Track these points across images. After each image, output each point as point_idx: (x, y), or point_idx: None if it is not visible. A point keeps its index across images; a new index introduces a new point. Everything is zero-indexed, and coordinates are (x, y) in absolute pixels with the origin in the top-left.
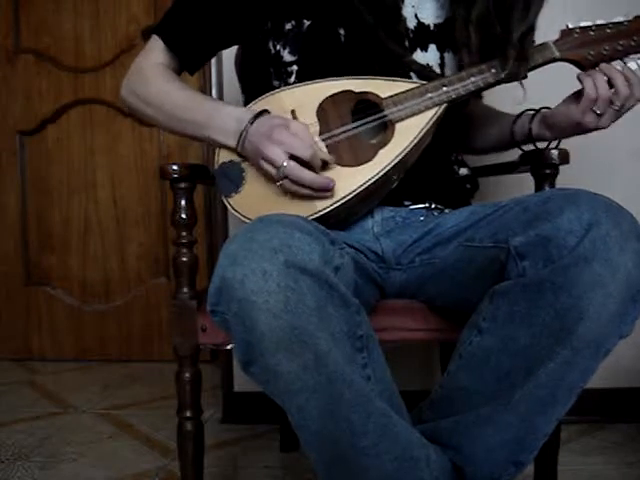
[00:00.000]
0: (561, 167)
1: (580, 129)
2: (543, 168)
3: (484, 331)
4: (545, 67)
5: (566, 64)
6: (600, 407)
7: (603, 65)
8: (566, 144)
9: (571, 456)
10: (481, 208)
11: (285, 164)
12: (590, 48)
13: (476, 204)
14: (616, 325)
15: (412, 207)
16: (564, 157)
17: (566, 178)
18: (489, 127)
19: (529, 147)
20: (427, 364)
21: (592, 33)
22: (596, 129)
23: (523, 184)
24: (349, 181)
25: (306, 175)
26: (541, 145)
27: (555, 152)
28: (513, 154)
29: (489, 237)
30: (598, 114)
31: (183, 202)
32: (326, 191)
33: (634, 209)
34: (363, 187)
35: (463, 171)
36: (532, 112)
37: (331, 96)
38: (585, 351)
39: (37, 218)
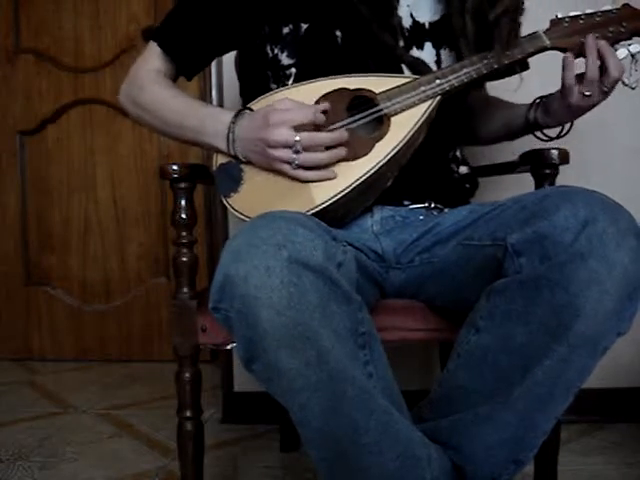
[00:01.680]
0: (561, 167)
1: (575, 111)
2: (543, 168)
3: (482, 329)
4: (547, 62)
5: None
6: (600, 407)
7: (590, 43)
8: (566, 144)
9: (571, 456)
10: (480, 207)
11: (298, 138)
12: (580, 36)
13: (475, 203)
14: (613, 322)
15: (412, 206)
16: (564, 157)
17: (566, 178)
18: (495, 115)
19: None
20: (427, 364)
21: (581, 21)
22: (592, 106)
23: (523, 184)
24: (347, 175)
25: (321, 136)
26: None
27: (555, 152)
28: (513, 154)
29: (487, 235)
30: (586, 95)
31: (183, 202)
32: (342, 146)
33: (634, 209)
34: (361, 180)
35: (463, 169)
36: (538, 100)
37: (326, 94)
38: (582, 348)
39: (37, 218)
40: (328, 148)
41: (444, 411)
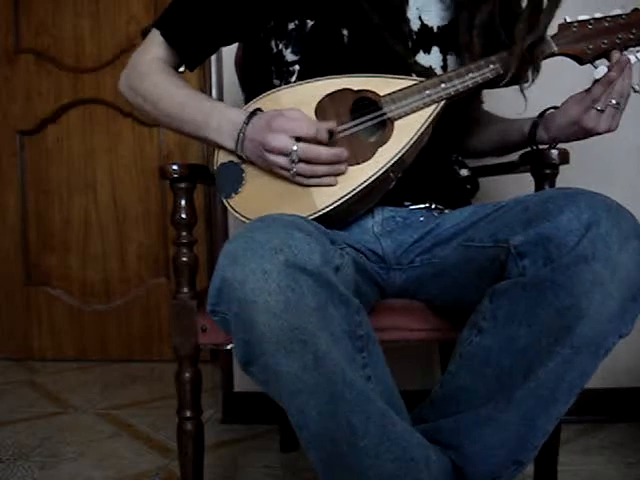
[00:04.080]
0: (561, 167)
1: (580, 130)
2: (543, 168)
3: (484, 330)
4: (548, 73)
5: (567, 64)
6: (600, 407)
7: (619, 58)
8: (566, 144)
9: (571, 456)
10: (481, 208)
11: (295, 148)
12: (589, 42)
13: (476, 204)
14: (616, 324)
15: (412, 207)
16: (564, 157)
17: (566, 178)
18: (488, 131)
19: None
20: (427, 364)
21: (590, 27)
22: (597, 133)
23: (523, 184)
24: (348, 180)
25: (320, 150)
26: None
27: (555, 152)
28: (513, 154)
29: (489, 237)
30: (599, 110)
31: (183, 202)
32: (341, 163)
33: (634, 209)
34: (362, 186)
35: (464, 172)
36: (549, 111)
37: (329, 94)
38: (585, 350)
39: (37, 218)
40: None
41: (445, 412)
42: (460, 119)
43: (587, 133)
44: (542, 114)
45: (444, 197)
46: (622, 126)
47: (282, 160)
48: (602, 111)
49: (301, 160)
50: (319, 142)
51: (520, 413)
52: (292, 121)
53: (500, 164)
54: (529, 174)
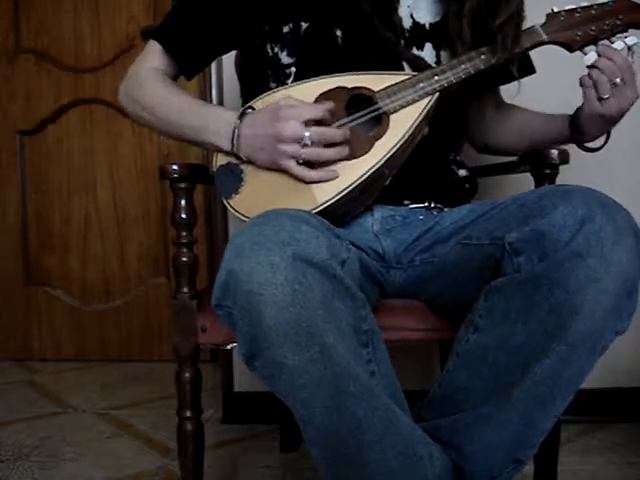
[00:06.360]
0: (561, 167)
1: (601, 120)
2: (543, 168)
3: (480, 328)
4: (543, 60)
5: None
6: (600, 407)
7: (602, 48)
8: (565, 144)
9: (571, 456)
10: (479, 206)
11: (307, 133)
12: (577, 29)
13: (474, 202)
14: (611, 321)
15: (412, 206)
16: (564, 157)
17: (566, 178)
18: (516, 125)
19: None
20: (427, 364)
21: (578, 15)
22: (622, 111)
23: (523, 184)
24: (347, 174)
25: (330, 131)
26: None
27: (555, 152)
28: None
29: (486, 234)
30: (604, 98)
31: (183, 202)
32: (345, 144)
33: (634, 210)
34: (362, 179)
35: (462, 172)
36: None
37: (324, 93)
38: (580, 347)
39: (37, 218)
40: (331, 146)
41: (444, 411)
42: (459, 119)
43: (617, 116)
44: (572, 120)
45: (443, 196)
46: (622, 126)
47: (293, 148)
48: (607, 99)
49: (312, 145)
50: (324, 122)
51: (518, 412)
52: (296, 107)
53: (500, 164)
54: (529, 174)
